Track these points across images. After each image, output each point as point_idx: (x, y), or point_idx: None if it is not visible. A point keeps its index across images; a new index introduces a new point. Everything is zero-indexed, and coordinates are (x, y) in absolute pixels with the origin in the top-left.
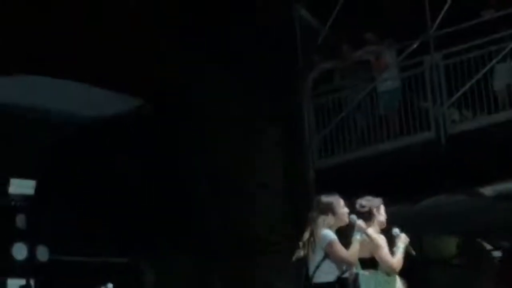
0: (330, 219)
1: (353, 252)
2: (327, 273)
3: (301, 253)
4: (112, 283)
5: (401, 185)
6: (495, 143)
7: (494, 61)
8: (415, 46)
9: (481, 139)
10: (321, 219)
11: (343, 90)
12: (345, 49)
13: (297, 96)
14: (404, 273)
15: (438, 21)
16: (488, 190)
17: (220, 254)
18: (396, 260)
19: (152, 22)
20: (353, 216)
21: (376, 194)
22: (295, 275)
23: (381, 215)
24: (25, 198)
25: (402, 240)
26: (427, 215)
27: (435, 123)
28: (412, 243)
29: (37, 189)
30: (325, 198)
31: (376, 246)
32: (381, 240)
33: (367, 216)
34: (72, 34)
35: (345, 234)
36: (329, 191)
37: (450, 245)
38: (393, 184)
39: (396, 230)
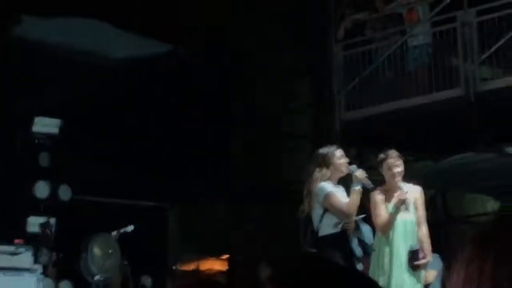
0: (325, 171)
1: (351, 203)
2: (330, 225)
3: (301, 208)
4: (135, 226)
5: (428, 141)
6: None
7: None
8: (448, 1)
9: (511, 98)
10: (317, 171)
11: (373, 43)
12: (378, 1)
13: (328, 46)
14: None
15: None
16: None
17: (251, 199)
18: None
19: None
20: (352, 167)
21: (402, 149)
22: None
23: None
24: (49, 136)
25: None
26: (453, 172)
27: (465, 80)
28: (436, 200)
29: (62, 128)
30: (321, 150)
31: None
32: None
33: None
34: None
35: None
36: (356, 143)
37: (475, 203)
38: (420, 139)
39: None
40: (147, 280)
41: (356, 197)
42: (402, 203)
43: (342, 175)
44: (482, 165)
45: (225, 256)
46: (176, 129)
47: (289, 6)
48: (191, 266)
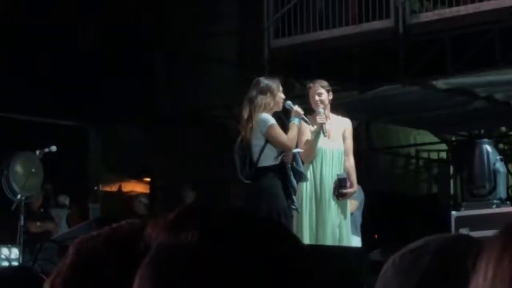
0: (270, 100)
1: (292, 137)
2: (271, 157)
3: (242, 134)
4: (57, 145)
5: (355, 71)
6: (452, 37)
7: None
8: None
9: (439, 31)
10: (260, 99)
11: None
12: None
13: None
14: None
15: None
16: (440, 83)
17: (171, 124)
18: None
19: None
20: (289, 102)
21: (328, 78)
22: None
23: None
24: None
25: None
26: (377, 103)
27: (394, 11)
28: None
29: None
30: (265, 80)
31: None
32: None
33: None
34: None
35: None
36: (283, 71)
37: (398, 134)
38: (346, 69)
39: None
40: (65, 199)
41: (295, 131)
42: (321, 128)
43: (278, 109)
44: (407, 97)
45: (146, 179)
46: (96, 52)
47: None
48: (112, 188)
